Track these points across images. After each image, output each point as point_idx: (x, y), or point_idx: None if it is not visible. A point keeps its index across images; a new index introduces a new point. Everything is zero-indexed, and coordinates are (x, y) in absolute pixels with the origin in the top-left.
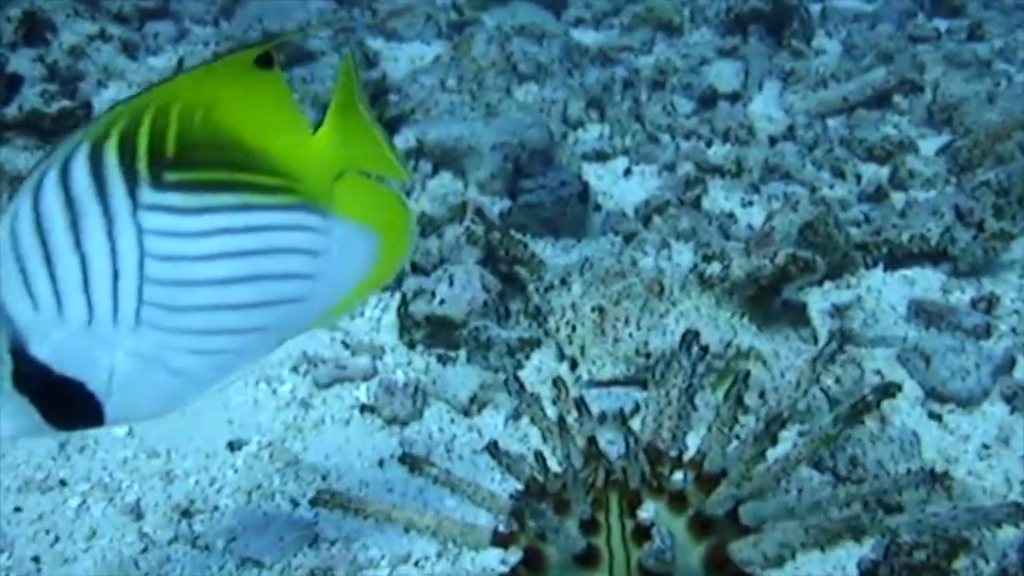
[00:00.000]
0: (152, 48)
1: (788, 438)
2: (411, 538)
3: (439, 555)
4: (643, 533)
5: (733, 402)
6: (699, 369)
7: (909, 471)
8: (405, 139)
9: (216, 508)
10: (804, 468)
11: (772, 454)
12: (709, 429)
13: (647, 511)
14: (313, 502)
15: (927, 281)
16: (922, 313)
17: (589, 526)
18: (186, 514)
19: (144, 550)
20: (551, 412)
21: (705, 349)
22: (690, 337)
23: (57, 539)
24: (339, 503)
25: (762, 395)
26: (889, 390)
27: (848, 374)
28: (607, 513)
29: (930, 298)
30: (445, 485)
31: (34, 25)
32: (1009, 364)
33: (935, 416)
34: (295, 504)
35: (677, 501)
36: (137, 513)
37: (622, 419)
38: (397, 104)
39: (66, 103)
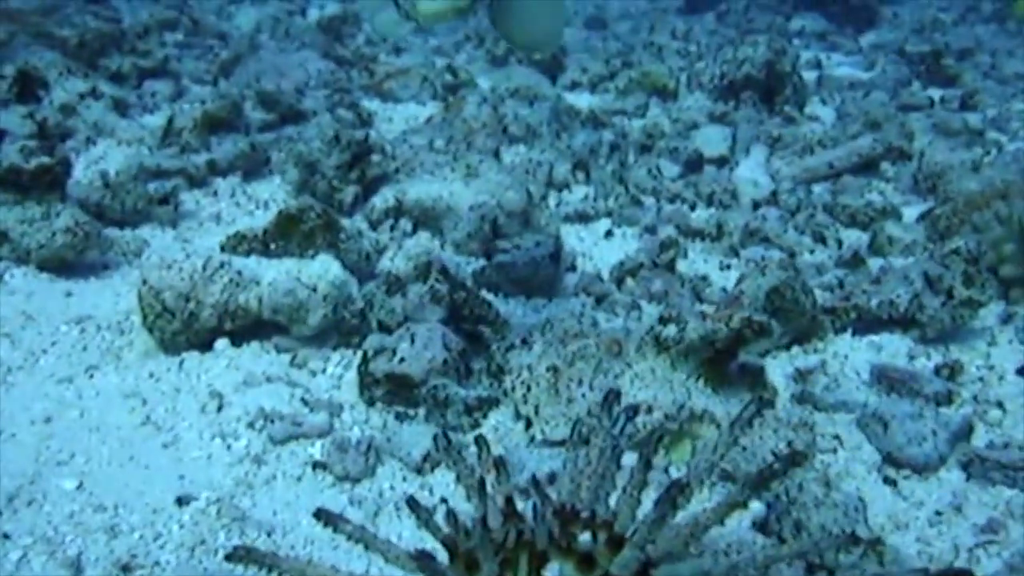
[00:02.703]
0: (149, 106)
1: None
2: None
3: None
4: None
5: (643, 465)
6: (627, 429)
7: (830, 533)
8: (384, 199)
9: (157, 563)
10: (749, 532)
11: (682, 517)
12: (623, 491)
13: (552, 572)
14: (228, 558)
15: (894, 347)
16: (884, 379)
17: None
18: (126, 569)
19: None
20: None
21: (636, 410)
22: (612, 397)
23: None
24: (254, 559)
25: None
26: (796, 459)
27: (800, 438)
28: (515, 572)
29: (893, 364)
30: (359, 541)
31: (27, 83)
32: (967, 431)
33: (890, 481)
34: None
35: (585, 562)
36: (77, 567)
37: (533, 481)
38: (380, 164)
39: (45, 159)
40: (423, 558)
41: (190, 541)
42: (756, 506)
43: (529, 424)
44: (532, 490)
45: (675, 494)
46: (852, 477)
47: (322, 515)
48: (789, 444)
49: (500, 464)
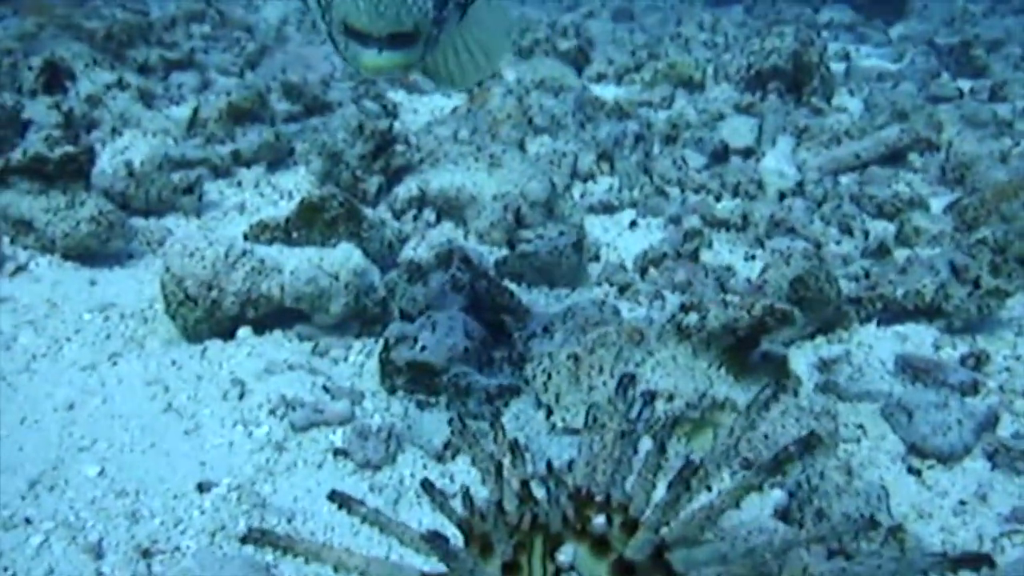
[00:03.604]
0: (175, 98)
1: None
2: None
3: None
4: None
5: (658, 448)
6: (644, 415)
7: (848, 518)
8: (408, 188)
9: (177, 548)
10: (770, 521)
11: (698, 502)
12: (638, 475)
13: (565, 555)
14: (243, 540)
15: (920, 337)
16: (909, 368)
17: (510, 568)
18: (146, 554)
19: None
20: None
21: (653, 396)
22: (627, 380)
23: None
24: (269, 541)
25: (735, 450)
26: (811, 443)
27: (823, 427)
28: (530, 555)
29: (918, 354)
30: (374, 524)
31: (54, 74)
32: (993, 421)
33: (914, 471)
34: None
35: (600, 545)
36: (97, 552)
37: (548, 465)
38: (404, 154)
39: (69, 148)
40: (435, 539)
41: (211, 527)
42: (777, 494)
43: (550, 412)
44: (546, 474)
45: (688, 476)
46: (875, 466)
47: (336, 497)
48: (811, 433)
49: (516, 447)
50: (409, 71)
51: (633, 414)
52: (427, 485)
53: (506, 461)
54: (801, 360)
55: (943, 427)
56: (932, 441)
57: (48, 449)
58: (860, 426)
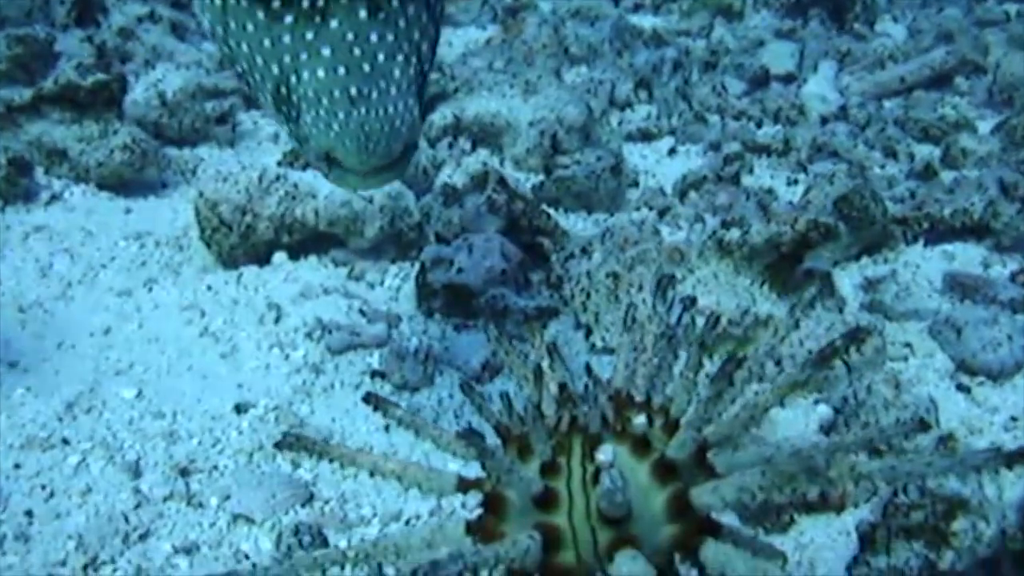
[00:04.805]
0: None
1: (803, 405)
2: (406, 498)
3: (431, 513)
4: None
5: (698, 348)
6: (683, 320)
7: (897, 420)
8: (443, 115)
9: (215, 468)
10: (816, 436)
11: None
12: (680, 376)
13: (605, 454)
14: (278, 445)
15: (968, 255)
16: (957, 286)
17: (549, 469)
18: (184, 473)
19: (137, 506)
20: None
21: (694, 301)
22: (665, 282)
23: (52, 495)
24: (303, 446)
25: (779, 363)
26: (858, 335)
27: (870, 344)
28: (569, 457)
29: (966, 271)
30: (410, 427)
31: (86, 7)
32: None
33: (964, 388)
34: (296, 465)
35: (641, 446)
36: (135, 471)
37: (587, 366)
38: (438, 83)
39: (101, 76)
40: (471, 436)
41: (248, 447)
42: (823, 409)
43: (589, 332)
44: (585, 376)
45: (731, 369)
46: (924, 384)
47: (372, 399)
48: (858, 349)
49: (554, 351)
50: (398, 176)
51: (673, 319)
52: (466, 387)
53: (544, 365)
54: (846, 281)
55: (993, 343)
56: (982, 358)
57: (85, 372)
58: (907, 345)
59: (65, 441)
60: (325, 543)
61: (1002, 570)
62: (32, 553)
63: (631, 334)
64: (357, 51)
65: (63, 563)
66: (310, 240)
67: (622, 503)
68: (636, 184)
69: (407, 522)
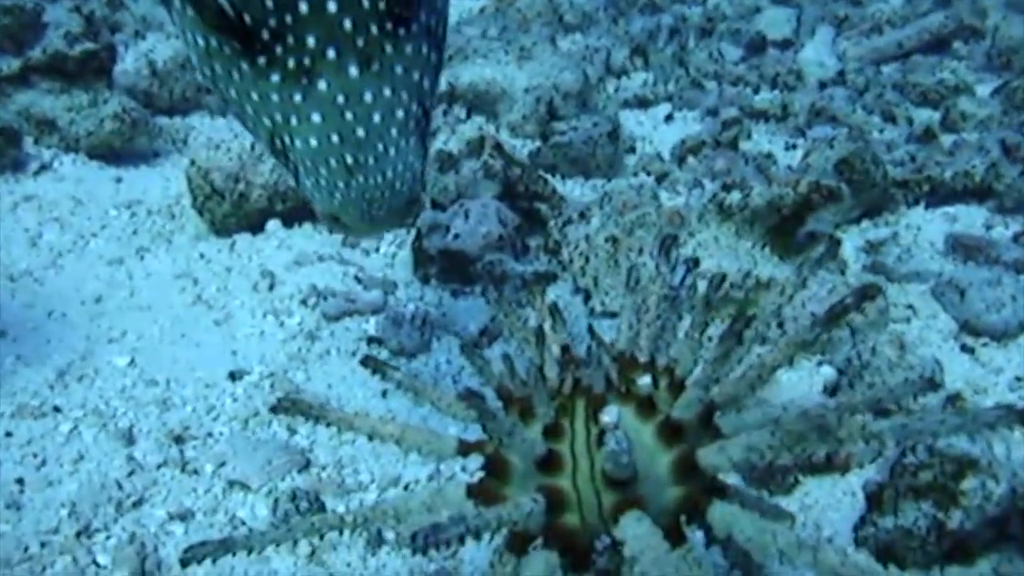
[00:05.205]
0: None
1: (807, 367)
2: (404, 463)
3: (430, 478)
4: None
5: (703, 307)
6: (687, 281)
7: (906, 380)
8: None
9: (210, 435)
10: (820, 397)
11: (748, 361)
12: (684, 336)
13: (610, 415)
14: (273, 409)
15: (970, 217)
16: (960, 247)
17: (552, 431)
18: (178, 440)
19: (131, 474)
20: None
21: (697, 262)
22: (668, 242)
23: (44, 463)
24: (299, 410)
25: (780, 325)
26: (868, 292)
27: (873, 306)
28: (572, 419)
29: (969, 232)
30: (409, 390)
31: None
32: None
33: (967, 349)
34: (292, 432)
35: (646, 407)
36: (129, 439)
37: (589, 328)
38: None
39: (89, 45)
40: (472, 397)
41: (244, 413)
42: (826, 371)
43: (588, 296)
44: (588, 338)
45: (739, 328)
46: (927, 345)
47: (370, 362)
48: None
49: (555, 311)
50: (403, 224)
51: (676, 280)
52: (467, 348)
53: (546, 326)
54: (847, 244)
55: (997, 304)
56: (986, 318)
57: (76, 341)
58: (910, 306)
59: (57, 409)
60: (322, 509)
61: (1010, 528)
62: (24, 521)
63: (634, 295)
64: (350, 115)
65: (55, 531)
66: (304, 208)
67: (627, 465)
68: (633, 150)
69: (406, 487)
